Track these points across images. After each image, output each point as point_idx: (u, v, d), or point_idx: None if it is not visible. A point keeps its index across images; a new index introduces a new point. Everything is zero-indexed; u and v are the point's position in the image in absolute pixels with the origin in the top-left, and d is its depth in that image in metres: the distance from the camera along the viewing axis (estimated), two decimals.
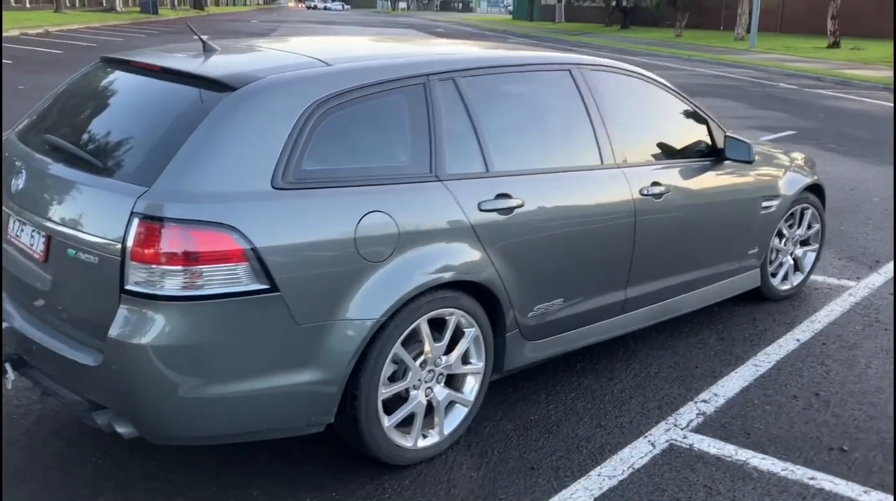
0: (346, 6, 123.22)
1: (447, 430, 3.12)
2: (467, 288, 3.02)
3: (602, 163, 3.55)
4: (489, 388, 3.56)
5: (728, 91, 17.67)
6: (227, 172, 2.49)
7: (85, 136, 2.85)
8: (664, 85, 4.04)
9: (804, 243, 5.02)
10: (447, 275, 2.89)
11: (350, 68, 2.89)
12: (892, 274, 5.42)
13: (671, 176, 3.85)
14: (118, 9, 46.59)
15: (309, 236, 2.57)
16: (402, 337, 2.83)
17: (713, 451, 3.21)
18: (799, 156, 5.04)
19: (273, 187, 2.54)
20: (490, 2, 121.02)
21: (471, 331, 3.09)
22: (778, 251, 4.83)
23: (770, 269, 4.78)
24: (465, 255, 2.95)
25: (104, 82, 3.09)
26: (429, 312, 2.89)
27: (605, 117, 3.60)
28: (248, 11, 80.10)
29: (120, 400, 2.53)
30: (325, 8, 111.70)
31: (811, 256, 5.06)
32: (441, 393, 3.07)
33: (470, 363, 3.16)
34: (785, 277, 4.92)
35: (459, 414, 3.16)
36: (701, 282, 4.19)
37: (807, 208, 4.86)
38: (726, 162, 4.15)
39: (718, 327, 4.48)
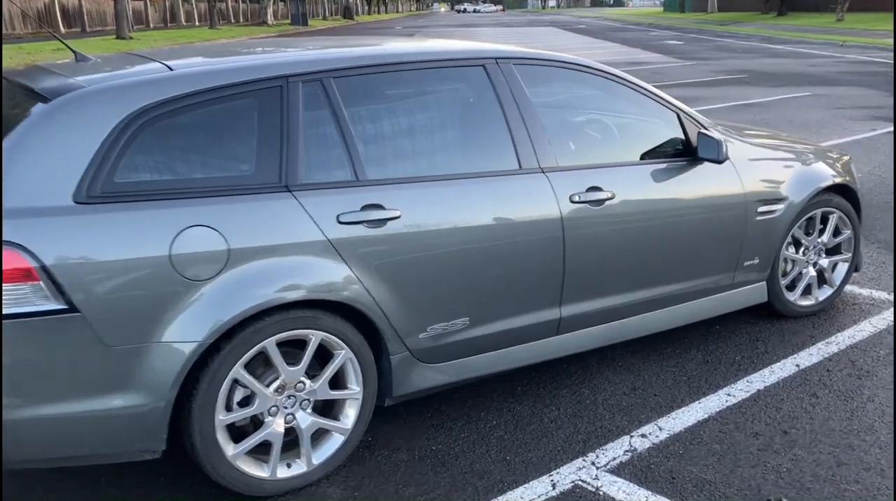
0: (497, 7, 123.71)
1: (317, 460, 2.88)
2: (331, 307, 2.78)
3: (520, 167, 3.19)
4: (405, 411, 3.30)
5: (871, 78, 16.15)
6: (24, 188, 2.39)
7: None
8: (621, 79, 3.60)
9: (832, 252, 4.37)
10: (294, 294, 2.66)
11: (190, 73, 2.72)
12: None
13: (620, 180, 3.42)
14: (269, 22, 48.95)
15: (114, 253, 2.42)
16: (243, 360, 2.63)
17: (620, 497, 2.79)
18: (824, 151, 4.39)
19: (75, 202, 2.42)
20: None
21: (341, 354, 2.84)
22: (794, 262, 4.22)
23: (784, 282, 4.18)
24: (319, 272, 2.71)
25: None
26: (277, 333, 2.67)
27: (527, 116, 3.24)
28: (398, 18, 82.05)
29: None
30: (475, 11, 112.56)
31: (842, 267, 4.40)
32: (305, 420, 2.84)
33: (347, 388, 2.91)
34: (807, 291, 4.30)
35: (334, 442, 2.92)
36: (672, 300, 3.71)
37: (830, 212, 4.22)
38: (706, 163, 3.65)
39: (710, 347, 3.96)
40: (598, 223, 3.32)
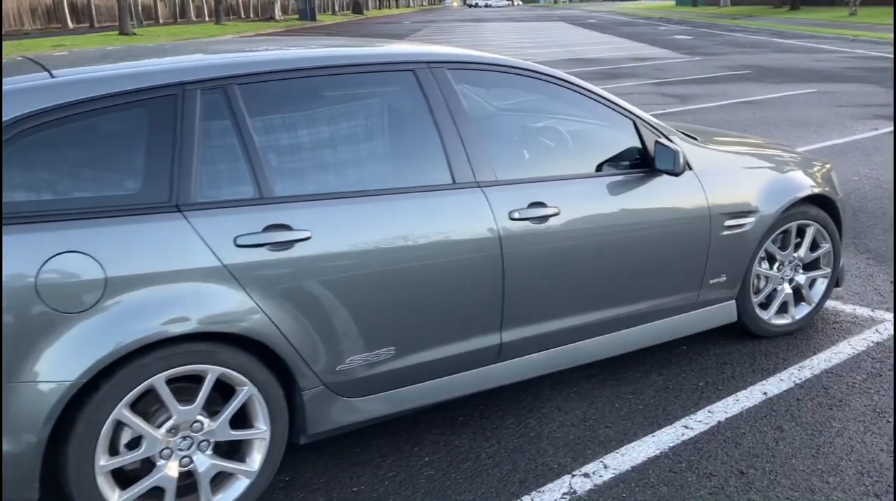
0: (510, 2, 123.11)
1: None
2: (230, 339, 2.52)
3: (454, 181, 2.92)
4: (333, 445, 3.05)
5: (879, 75, 15.75)
6: None
7: None
8: (573, 84, 3.31)
9: (810, 267, 4.07)
10: (183, 327, 2.40)
11: (72, 81, 2.46)
12: None
13: (567, 194, 3.14)
14: (277, 17, 48.73)
15: None
16: (127, 399, 2.38)
17: None
18: (803, 159, 4.10)
19: None
20: None
21: (244, 390, 2.58)
22: (767, 278, 3.93)
23: (756, 300, 3.89)
24: (213, 301, 2.45)
25: None
26: (166, 370, 2.42)
27: (461, 126, 2.96)
28: (409, 13, 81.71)
29: None
30: (487, 6, 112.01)
31: (821, 284, 4.10)
32: (203, 462, 2.58)
33: (253, 426, 2.65)
34: (783, 310, 4.01)
35: (239, 486, 2.66)
36: (629, 321, 3.43)
37: (807, 225, 3.92)
38: (664, 174, 3.37)
39: (672, 371, 3.68)
40: (541, 241, 3.05)
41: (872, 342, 3.93)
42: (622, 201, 3.27)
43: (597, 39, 30.12)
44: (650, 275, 3.41)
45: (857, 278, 4.78)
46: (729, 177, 3.62)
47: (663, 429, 3.20)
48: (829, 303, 4.42)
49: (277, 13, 49.04)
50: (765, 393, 3.46)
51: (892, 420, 3.24)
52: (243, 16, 62.66)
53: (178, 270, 2.40)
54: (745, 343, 3.95)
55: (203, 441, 2.57)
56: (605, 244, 3.23)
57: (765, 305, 3.97)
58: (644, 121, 3.43)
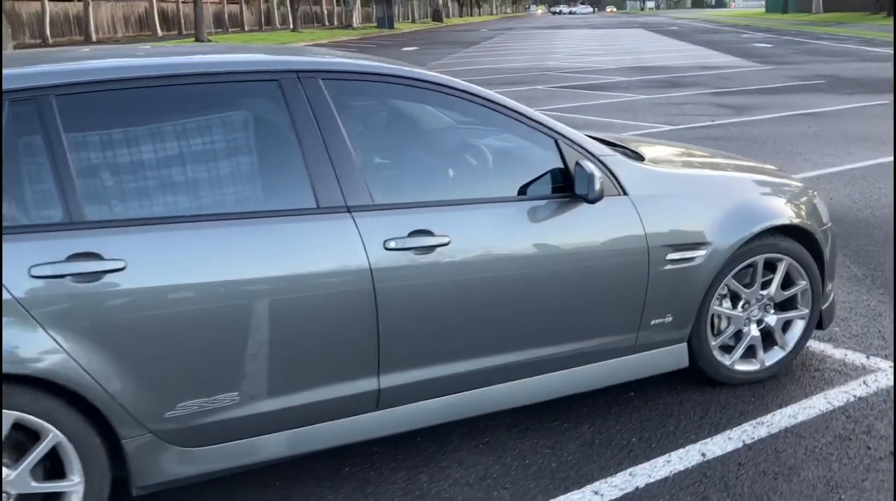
0: (594, 9, 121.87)
1: None
2: (28, 382, 2.25)
3: (318, 205, 2.58)
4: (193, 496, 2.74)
5: None
6: None
7: None
8: (482, 98, 2.91)
9: (785, 307, 3.56)
10: None
11: None
12: None
13: (461, 221, 2.77)
14: (355, 25, 49.25)
15: None
16: None
17: None
18: (783, 184, 3.59)
19: None
20: None
21: (48, 437, 2.30)
22: (729, 319, 3.44)
23: (716, 343, 3.41)
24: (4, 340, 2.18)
25: None
26: None
27: (332, 144, 2.63)
28: (489, 21, 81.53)
29: None
30: (570, 12, 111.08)
31: (798, 326, 3.58)
32: None
33: (66, 478, 2.37)
34: (750, 354, 3.51)
35: None
36: (544, 366, 3.02)
37: (778, 259, 3.42)
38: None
39: (608, 423, 3.24)
40: (424, 275, 2.68)
41: (854, 396, 3.40)
42: (533, 230, 2.87)
43: (671, 47, 29.21)
44: (571, 315, 2.99)
45: (861, 317, 4.22)
46: (676, 204, 3.17)
47: (568, 495, 2.78)
48: (819, 346, 3.89)
49: (355, 21, 49.55)
50: (703, 455, 3.00)
51: (844, 498, 2.73)
52: (326, 23, 63.75)
53: None
54: (703, 391, 3.47)
55: (6, 493, 2.30)
56: (511, 279, 2.83)
57: (728, 349, 3.49)
58: (568, 138, 3.01)
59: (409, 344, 2.72)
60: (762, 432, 3.14)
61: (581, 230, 2.95)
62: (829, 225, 3.66)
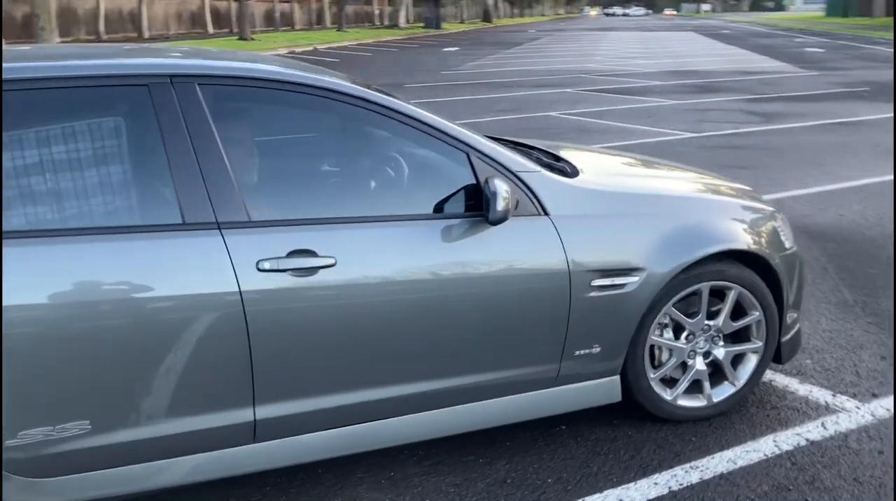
0: (648, 11, 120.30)
1: None
2: None
3: (183, 221, 2.39)
4: None
5: None
6: None
7: None
8: (384, 107, 2.68)
9: (737, 339, 3.27)
10: None
11: None
12: None
13: (351, 241, 2.55)
14: (401, 25, 49.27)
15: None
16: None
17: None
18: (742, 205, 3.29)
19: None
20: None
21: None
22: (671, 351, 3.16)
23: (654, 376, 3.14)
24: None
25: None
26: None
27: (204, 154, 2.43)
28: (540, 22, 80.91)
29: None
30: (624, 14, 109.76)
31: (751, 360, 3.28)
32: None
33: None
34: (696, 389, 3.22)
35: None
36: (449, 397, 2.79)
37: (726, 287, 3.13)
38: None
39: (527, 460, 2.99)
40: (305, 299, 2.47)
41: (806, 440, 3.09)
42: (436, 252, 2.64)
43: (718, 51, 28.50)
44: (479, 344, 2.75)
45: (839, 349, 3.88)
46: (605, 225, 2.90)
47: None
48: (783, 380, 3.58)
49: (402, 21, 49.57)
50: None
51: None
52: (376, 23, 63.96)
53: None
54: (641, 427, 3.20)
55: None
56: (408, 304, 2.61)
57: (672, 382, 3.21)
58: (482, 152, 2.77)
59: (288, 374, 2.51)
60: (693, 478, 2.86)
61: (489, 253, 2.70)
62: (793, 250, 3.35)
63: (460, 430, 2.88)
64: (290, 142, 2.74)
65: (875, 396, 3.41)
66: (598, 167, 3.32)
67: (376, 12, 65.06)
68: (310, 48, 30.37)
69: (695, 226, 3.06)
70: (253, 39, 31.09)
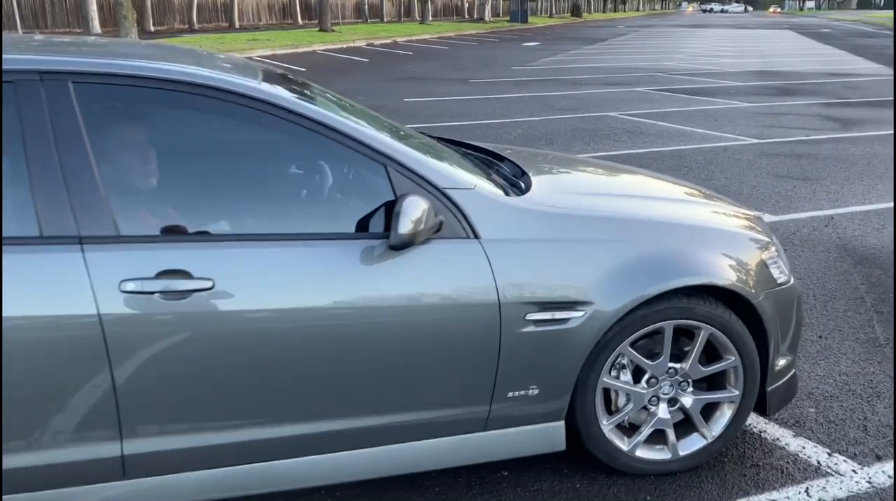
0: (748, 8, 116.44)
1: None
2: None
3: (41, 234, 2.15)
4: None
5: None
6: None
7: None
8: (296, 114, 2.37)
9: (712, 385, 2.85)
10: None
11: None
12: None
13: (236, 262, 2.27)
14: (487, 18, 48.83)
15: None
16: None
17: None
18: (724, 233, 2.86)
19: None
20: None
21: None
22: (629, 395, 2.77)
23: (609, 424, 2.76)
24: None
25: None
26: None
27: (67, 158, 2.19)
28: (631, 17, 79.09)
29: None
30: (722, 11, 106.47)
31: (726, 410, 2.85)
32: None
33: None
34: (661, 439, 2.83)
35: None
36: (355, 439, 2.48)
37: (696, 328, 2.71)
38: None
39: None
40: (174, 325, 2.21)
41: None
42: (333, 277, 2.34)
43: (812, 51, 27.07)
44: (386, 381, 2.43)
45: (851, 397, 3.39)
46: (547, 251, 2.53)
47: None
48: (776, 431, 3.13)
49: (487, 14, 49.14)
50: None
51: None
52: (466, 16, 63.65)
53: None
54: (594, 480, 2.82)
55: None
56: (295, 335, 2.31)
57: (629, 430, 2.82)
58: (403, 165, 2.44)
59: (158, 408, 2.26)
60: None
61: (396, 280, 2.38)
62: (787, 285, 2.90)
63: (374, 475, 2.57)
64: (178, 150, 2.47)
65: (879, 458, 2.94)
66: (557, 184, 2.95)
67: (465, 5, 64.72)
68: (389, 41, 30.34)
69: (660, 256, 2.66)
70: (333, 31, 31.26)
